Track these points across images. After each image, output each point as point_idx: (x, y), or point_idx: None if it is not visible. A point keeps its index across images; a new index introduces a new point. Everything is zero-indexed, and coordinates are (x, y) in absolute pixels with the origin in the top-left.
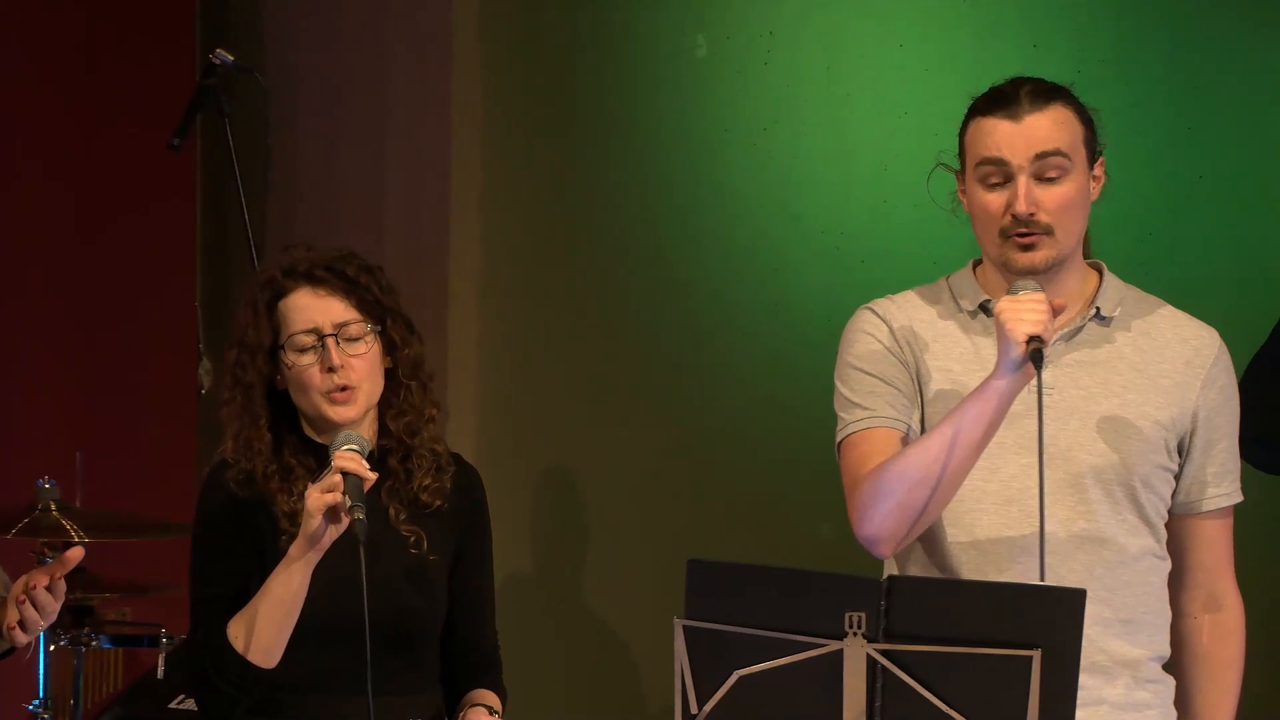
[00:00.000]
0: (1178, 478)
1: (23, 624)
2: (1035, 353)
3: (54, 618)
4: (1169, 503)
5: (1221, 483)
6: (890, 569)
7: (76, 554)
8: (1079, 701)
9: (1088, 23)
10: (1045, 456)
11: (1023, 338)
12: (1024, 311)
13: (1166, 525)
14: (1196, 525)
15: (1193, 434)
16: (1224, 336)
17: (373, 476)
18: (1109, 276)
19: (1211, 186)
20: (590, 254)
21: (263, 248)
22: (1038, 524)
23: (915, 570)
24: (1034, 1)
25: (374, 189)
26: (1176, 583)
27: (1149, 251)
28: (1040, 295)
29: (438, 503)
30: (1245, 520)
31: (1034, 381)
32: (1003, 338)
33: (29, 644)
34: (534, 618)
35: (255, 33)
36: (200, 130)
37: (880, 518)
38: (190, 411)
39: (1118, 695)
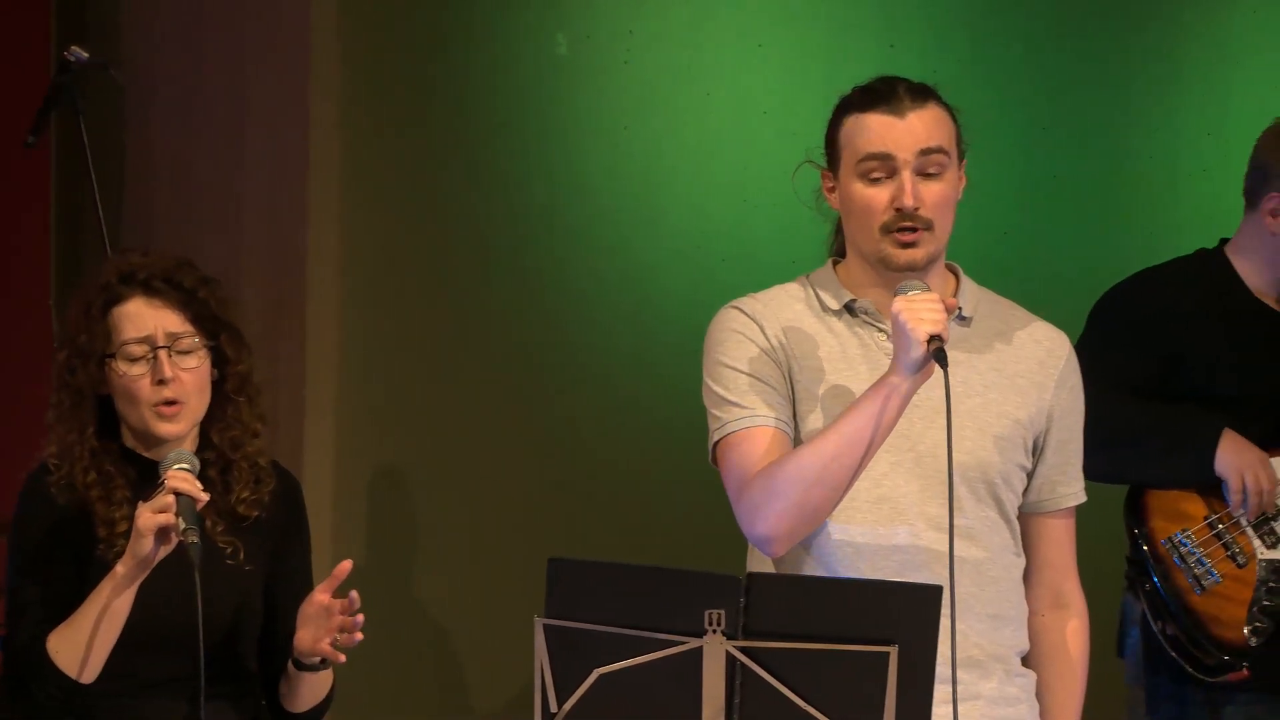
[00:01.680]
0: (1030, 476)
1: None
2: (938, 351)
3: None
4: (1021, 500)
5: (1071, 482)
6: (759, 566)
7: None
8: (958, 696)
9: (945, 23)
10: (914, 455)
11: (924, 337)
12: (922, 311)
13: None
14: (1045, 524)
15: (1047, 433)
16: (1076, 336)
17: (205, 497)
18: (965, 278)
19: (1066, 187)
20: (451, 254)
21: (118, 247)
22: (908, 520)
23: (788, 568)
24: (892, 1)
25: (231, 188)
26: (1025, 581)
27: (1003, 251)
28: (934, 294)
29: (254, 513)
30: None
31: (934, 378)
32: (903, 337)
33: None
34: (396, 618)
35: (111, 29)
36: (55, 128)
37: (774, 517)
38: (45, 412)
39: (992, 689)
